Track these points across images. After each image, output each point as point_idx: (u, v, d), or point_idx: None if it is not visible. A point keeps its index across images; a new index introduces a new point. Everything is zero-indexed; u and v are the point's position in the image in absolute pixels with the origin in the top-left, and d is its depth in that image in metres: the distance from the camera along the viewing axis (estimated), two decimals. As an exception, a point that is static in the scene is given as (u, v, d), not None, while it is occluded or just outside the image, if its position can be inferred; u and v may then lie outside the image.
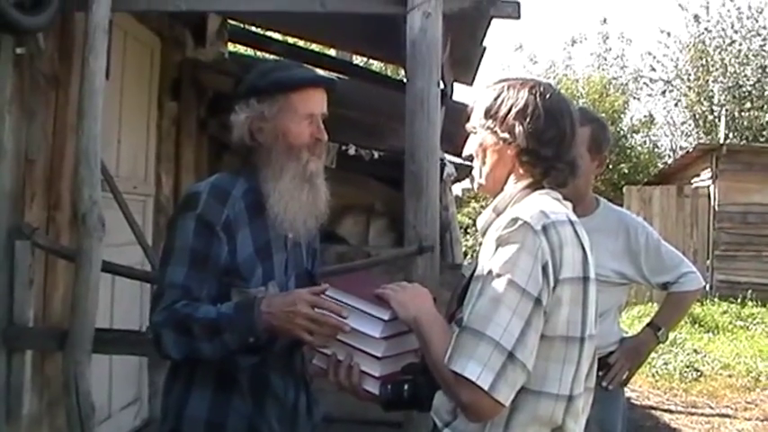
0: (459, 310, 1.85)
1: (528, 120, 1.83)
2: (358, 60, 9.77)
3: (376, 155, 6.74)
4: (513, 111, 1.85)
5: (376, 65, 12.73)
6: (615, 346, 3.16)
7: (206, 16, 5.55)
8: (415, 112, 3.37)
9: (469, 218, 19.52)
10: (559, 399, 1.73)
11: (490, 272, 1.68)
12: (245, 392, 2.21)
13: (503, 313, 1.63)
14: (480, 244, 1.89)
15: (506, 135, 1.85)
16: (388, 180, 7.44)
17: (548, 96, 1.86)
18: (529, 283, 1.65)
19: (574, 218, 1.79)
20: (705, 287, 3.29)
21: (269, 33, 6.95)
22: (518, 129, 1.83)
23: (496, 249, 1.70)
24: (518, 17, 3.48)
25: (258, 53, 8.52)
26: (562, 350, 1.72)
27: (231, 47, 6.94)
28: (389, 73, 12.52)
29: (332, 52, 8.23)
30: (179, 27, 5.30)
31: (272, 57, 6.99)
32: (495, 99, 1.89)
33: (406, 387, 1.91)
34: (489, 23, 4.20)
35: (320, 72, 2.40)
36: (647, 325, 3.27)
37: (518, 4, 3.50)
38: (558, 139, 1.85)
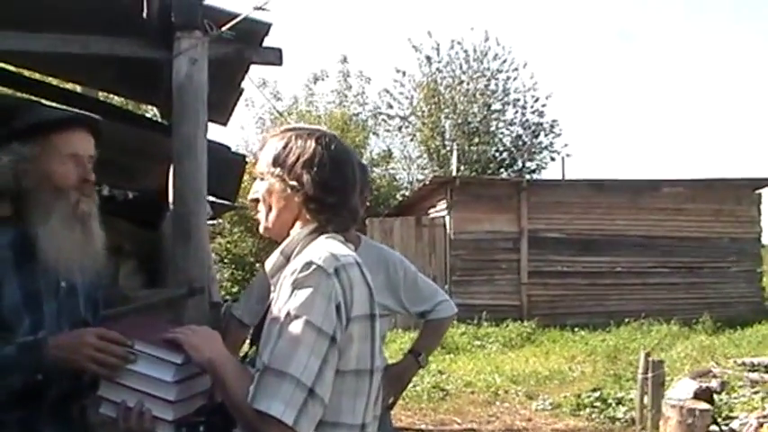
0: (251, 349, 1.95)
1: (315, 169, 1.94)
2: (101, 97, 9.43)
3: (130, 195, 6.57)
4: (301, 160, 1.96)
5: (117, 100, 12.30)
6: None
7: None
8: (183, 155, 3.42)
9: (216, 254, 19.41)
10: (353, 428, 1.87)
11: (288, 314, 1.78)
12: None
13: (301, 352, 1.74)
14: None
15: (294, 183, 1.95)
16: (137, 221, 7.27)
17: (333, 147, 2.00)
18: (324, 323, 1.77)
19: (359, 259, 1.94)
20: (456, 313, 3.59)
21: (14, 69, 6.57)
22: (306, 177, 1.94)
23: (292, 292, 1.80)
24: (280, 64, 3.63)
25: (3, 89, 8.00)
26: (353, 383, 1.86)
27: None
28: (131, 109, 12.18)
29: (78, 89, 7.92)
30: None
31: (11, 93, 6.62)
32: (284, 148, 1.99)
33: (201, 429, 1.96)
34: (248, 67, 4.32)
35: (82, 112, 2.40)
36: (409, 352, 3.51)
37: (280, 50, 3.65)
38: (342, 188, 1.99)
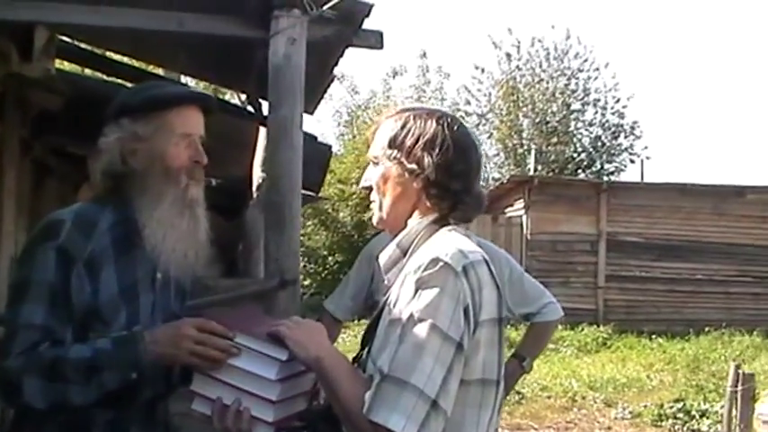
0: (363, 351, 1.78)
1: (437, 151, 1.75)
2: (186, 82, 9.47)
3: (213, 182, 6.53)
4: (421, 141, 1.76)
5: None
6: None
7: (33, 29, 5.16)
8: (279, 140, 3.28)
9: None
10: None
11: (411, 316, 1.60)
12: None
13: (426, 360, 1.56)
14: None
15: (414, 166, 1.76)
16: (216, 209, 7.27)
17: (456, 128, 1.79)
18: (451, 328, 1.58)
19: (487, 256, 1.74)
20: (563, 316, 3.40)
21: (98, 51, 6.59)
22: (426, 160, 1.74)
23: (416, 292, 1.62)
24: (381, 47, 3.47)
25: (87, 71, 8.08)
26: (478, 394, 1.67)
27: (58, 64, 6.53)
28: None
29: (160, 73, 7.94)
30: (3, 39, 4.89)
31: (102, 75, 6.65)
32: (402, 128, 1.80)
33: (304, 435, 1.80)
34: (343, 52, 4.16)
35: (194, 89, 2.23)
36: (512, 356, 3.32)
37: (381, 33, 3.49)
38: (466, 172, 1.79)
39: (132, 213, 2.04)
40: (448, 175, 1.75)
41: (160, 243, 2.03)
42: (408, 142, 1.78)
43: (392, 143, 1.81)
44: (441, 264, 1.62)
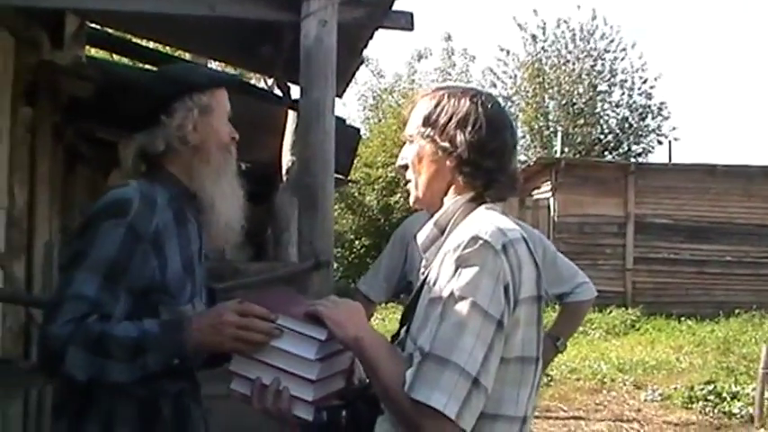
0: (401, 330, 1.78)
1: (470, 129, 1.75)
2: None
3: (243, 167, 6.56)
4: (455, 119, 1.77)
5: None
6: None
7: (64, 17, 5.20)
8: (311, 122, 3.28)
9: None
10: (515, 421, 1.68)
11: (452, 294, 1.60)
12: (168, 424, 2.04)
13: (467, 338, 1.56)
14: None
15: (447, 144, 1.76)
16: (247, 193, 7.32)
17: (489, 106, 1.80)
18: (491, 306, 1.58)
19: (525, 234, 1.73)
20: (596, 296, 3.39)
21: (129, 38, 6.61)
22: (459, 138, 1.75)
23: (456, 270, 1.62)
24: (411, 29, 3.45)
25: (116, 57, 8.11)
26: (517, 371, 1.67)
27: (88, 51, 6.56)
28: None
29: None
30: (35, 27, 4.92)
31: (132, 62, 6.69)
32: (436, 107, 1.80)
33: (344, 413, 1.81)
34: (372, 34, 4.15)
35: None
36: (546, 335, 3.31)
37: (411, 15, 3.46)
38: (501, 151, 1.78)
39: (184, 188, 2.10)
40: (481, 153, 1.76)
41: (221, 217, 2.11)
42: (442, 120, 1.79)
43: (426, 121, 1.81)
44: (480, 242, 1.62)
